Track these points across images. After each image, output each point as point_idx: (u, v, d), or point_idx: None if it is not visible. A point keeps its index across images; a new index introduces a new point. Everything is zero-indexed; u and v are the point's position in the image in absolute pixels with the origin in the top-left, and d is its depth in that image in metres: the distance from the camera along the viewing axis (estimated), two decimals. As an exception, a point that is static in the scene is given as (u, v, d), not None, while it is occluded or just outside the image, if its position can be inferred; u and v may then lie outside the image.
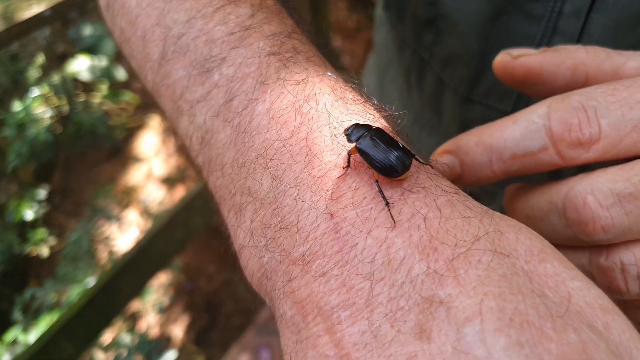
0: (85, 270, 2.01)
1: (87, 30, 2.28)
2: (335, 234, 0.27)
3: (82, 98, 2.37)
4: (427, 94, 0.66)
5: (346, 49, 2.81)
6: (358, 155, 0.31)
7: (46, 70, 2.22)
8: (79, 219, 2.27)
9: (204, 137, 0.36)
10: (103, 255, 2.19)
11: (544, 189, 0.36)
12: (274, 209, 0.30)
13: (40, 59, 2.18)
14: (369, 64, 0.88)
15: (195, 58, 0.37)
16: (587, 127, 0.33)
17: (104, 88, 2.40)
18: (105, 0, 0.48)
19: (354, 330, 0.24)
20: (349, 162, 0.31)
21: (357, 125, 0.31)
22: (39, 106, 2.16)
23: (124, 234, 2.28)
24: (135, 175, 2.49)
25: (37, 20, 0.98)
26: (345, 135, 0.31)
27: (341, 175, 0.30)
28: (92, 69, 2.23)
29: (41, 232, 2.11)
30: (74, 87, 2.33)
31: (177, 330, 2.09)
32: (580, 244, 0.34)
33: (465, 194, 0.29)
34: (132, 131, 2.59)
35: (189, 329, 2.10)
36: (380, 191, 0.29)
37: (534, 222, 0.37)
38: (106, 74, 2.28)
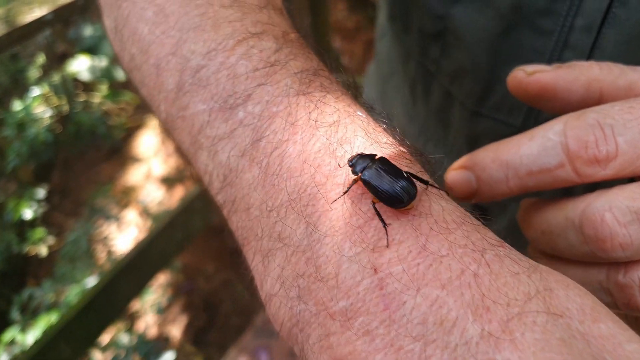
0: (83, 270, 2.01)
1: (88, 31, 2.28)
2: (381, 291, 0.25)
3: (82, 98, 2.37)
4: (433, 106, 0.65)
5: (346, 49, 2.81)
6: (362, 185, 0.30)
7: (46, 70, 2.22)
8: (78, 219, 2.28)
9: (227, 176, 0.34)
10: (102, 255, 2.19)
11: (560, 205, 0.36)
12: (308, 258, 0.28)
13: (41, 58, 2.18)
14: (369, 72, 0.88)
15: (216, 92, 0.36)
16: (604, 144, 0.33)
17: (103, 88, 2.40)
18: (113, 24, 0.46)
19: None
20: (348, 189, 0.30)
21: (361, 156, 0.31)
22: (39, 106, 2.16)
23: (122, 234, 2.28)
24: (134, 175, 2.49)
25: (39, 24, 0.98)
26: (349, 165, 0.31)
27: (341, 198, 0.30)
28: (92, 69, 2.23)
29: (40, 232, 2.11)
30: (74, 87, 2.33)
31: (176, 331, 2.09)
32: (597, 260, 0.34)
33: (510, 246, 0.28)
34: (131, 131, 2.60)
35: (187, 329, 2.10)
36: (378, 213, 0.29)
37: (550, 238, 0.37)
38: (106, 74, 2.28)
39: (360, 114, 0.34)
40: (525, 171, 0.36)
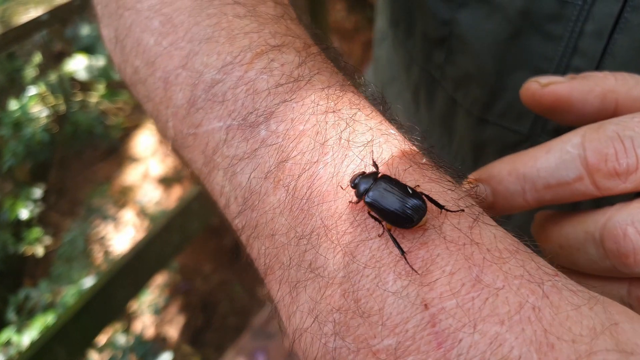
0: (80, 271, 2.00)
1: (85, 30, 2.27)
2: (433, 328, 0.23)
3: (79, 97, 2.36)
4: (437, 112, 0.64)
5: (344, 49, 2.81)
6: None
7: (43, 69, 2.21)
8: (75, 219, 2.27)
9: (247, 199, 0.32)
10: (99, 255, 2.18)
11: (579, 219, 0.35)
12: (345, 291, 0.26)
13: (37, 58, 2.17)
14: (366, 77, 0.87)
15: (234, 109, 0.34)
16: (624, 157, 0.32)
17: (101, 88, 2.39)
18: (113, 34, 0.43)
19: None
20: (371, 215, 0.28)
21: (363, 175, 0.29)
22: (35, 105, 2.14)
23: (120, 234, 2.27)
24: (131, 175, 2.48)
25: (35, 25, 0.97)
26: (352, 187, 0.29)
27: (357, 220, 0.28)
28: (90, 69, 2.22)
29: (36, 232, 2.10)
30: (71, 86, 2.32)
31: (173, 331, 2.09)
32: (619, 275, 0.33)
33: (564, 275, 0.26)
34: (128, 131, 2.59)
35: (185, 330, 2.10)
36: (394, 240, 0.27)
37: (569, 252, 0.36)
38: (103, 74, 2.27)
39: (393, 132, 0.33)
40: (543, 184, 0.35)
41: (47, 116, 2.20)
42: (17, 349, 1.67)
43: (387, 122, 0.34)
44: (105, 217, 2.26)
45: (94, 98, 2.40)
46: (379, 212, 0.28)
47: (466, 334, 0.23)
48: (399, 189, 0.29)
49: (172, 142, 0.39)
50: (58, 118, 2.28)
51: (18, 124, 2.06)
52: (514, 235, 0.28)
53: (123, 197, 2.39)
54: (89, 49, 2.27)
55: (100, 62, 2.27)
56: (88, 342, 1.23)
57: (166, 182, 2.44)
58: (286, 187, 0.30)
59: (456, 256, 0.25)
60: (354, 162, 0.30)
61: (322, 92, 0.33)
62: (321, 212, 0.29)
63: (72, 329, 1.11)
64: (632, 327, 0.23)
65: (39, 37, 2.13)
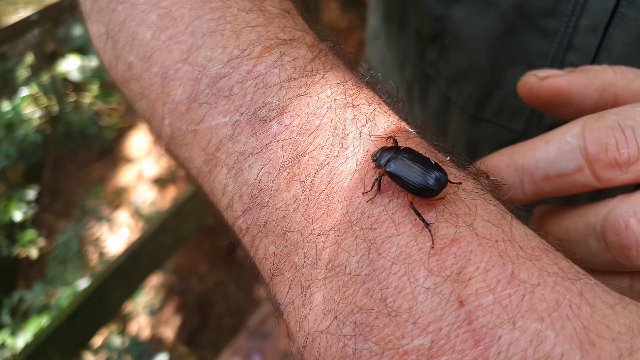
0: (75, 272, 1.99)
1: (77, 30, 2.26)
2: (469, 325, 0.22)
3: (72, 98, 2.35)
4: (431, 110, 0.64)
5: (339, 49, 2.80)
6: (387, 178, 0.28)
7: (35, 69, 2.20)
8: (69, 220, 2.26)
9: (256, 196, 0.30)
10: (93, 256, 2.17)
11: (579, 211, 0.35)
12: (369, 289, 0.25)
13: (29, 58, 2.15)
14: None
15: (242, 104, 0.32)
16: (625, 147, 0.32)
17: (94, 88, 2.38)
18: (104, 29, 0.41)
19: None
20: (379, 186, 0.28)
21: (384, 149, 0.29)
22: (27, 106, 2.13)
23: (114, 235, 2.26)
24: (126, 176, 2.47)
25: (24, 25, 0.96)
26: (373, 161, 0.29)
27: (373, 200, 0.27)
28: (83, 69, 2.21)
29: (30, 234, 2.09)
30: (64, 87, 2.31)
31: (169, 332, 2.08)
32: (620, 269, 0.33)
33: (597, 281, 0.25)
34: (122, 131, 2.57)
35: (180, 331, 2.09)
36: (417, 213, 0.26)
37: (569, 246, 0.35)
38: (97, 74, 2.26)
39: (412, 130, 0.32)
40: (542, 176, 0.35)
41: (40, 117, 2.19)
42: (11, 352, 1.66)
43: (406, 120, 0.33)
44: (99, 218, 2.25)
45: (87, 99, 2.38)
46: (399, 182, 0.28)
47: (505, 330, 0.22)
48: (421, 160, 0.29)
49: (168, 140, 0.37)
50: (51, 119, 2.26)
51: (10, 125, 2.05)
52: (539, 235, 0.27)
53: (117, 198, 2.38)
54: (82, 50, 2.26)
55: (93, 62, 2.25)
56: (82, 344, 1.22)
57: (161, 182, 2.43)
58: (302, 182, 0.29)
59: (490, 252, 0.24)
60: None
61: (339, 87, 0.32)
62: (342, 207, 0.27)
63: (65, 331, 1.10)
64: None
65: (31, 37, 2.11)
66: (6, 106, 2.06)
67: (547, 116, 0.51)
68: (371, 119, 0.31)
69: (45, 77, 2.22)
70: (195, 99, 0.34)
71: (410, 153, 0.29)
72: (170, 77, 0.35)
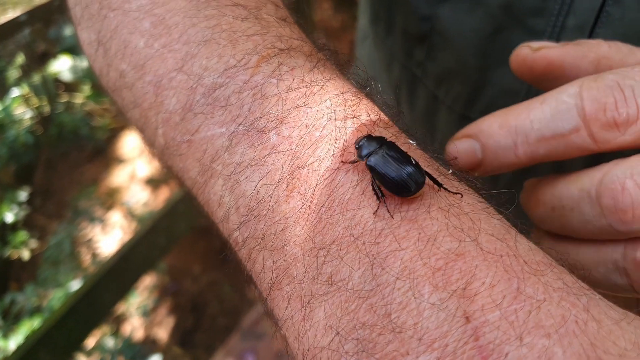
0: (67, 274, 1.98)
1: (69, 31, 2.25)
2: (476, 342, 0.22)
3: (63, 99, 2.34)
4: (419, 110, 0.63)
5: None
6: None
7: (26, 70, 2.18)
8: (61, 221, 2.24)
9: (253, 209, 0.30)
10: (86, 257, 2.16)
11: (573, 177, 0.34)
12: (372, 305, 0.24)
13: (20, 58, 2.14)
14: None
15: (239, 114, 0.32)
16: (624, 106, 0.31)
17: (86, 88, 2.36)
18: (95, 36, 0.40)
19: None
20: (375, 187, 0.28)
21: (369, 138, 0.29)
22: (18, 107, 2.12)
23: (107, 236, 2.25)
24: (118, 176, 2.46)
25: (13, 25, 0.96)
26: (356, 148, 0.29)
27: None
28: (74, 69, 2.19)
29: (22, 235, 2.07)
30: (55, 87, 2.30)
31: (162, 333, 2.08)
32: (613, 236, 0.32)
33: (601, 296, 0.25)
34: (115, 132, 2.56)
35: (174, 331, 2.09)
36: (376, 187, 0.27)
37: (562, 214, 0.34)
38: (88, 75, 2.24)
39: (413, 142, 0.32)
40: (536, 137, 0.34)
41: (31, 118, 2.18)
42: (3, 354, 1.65)
43: (405, 132, 0.33)
44: (92, 219, 2.24)
45: (79, 99, 2.37)
46: (378, 177, 0.28)
47: (513, 347, 0.21)
48: (402, 157, 0.28)
49: (162, 150, 0.37)
50: (42, 120, 2.25)
51: (1, 126, 2.04)
52: (543, 249, 0.27)
53: (110, 198, 2.37)
54: (74, 50, 2.25)
55: (85, 62, 2.24)
56: (74, 347, 1.22)
57: (153, 183, 2.42)
58: (302, 195, 0.28)
59: (495, 267, 0.24)
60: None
61: (339, 98, 0.32)
62: (345, 220, 0.27)
63: (56, 333, 1.09)
64: None
65: (21, 37, 2.10)
66: (-3, 107, 2.04)
67: None
68: (371, 131, 0.31)
69: (36, 78, 2.20)
70: (190, 108, 0.33)
71: (392, 149, 0.29)
72: (164, 86, 0.35)
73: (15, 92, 2.11)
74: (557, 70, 0.37)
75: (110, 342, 1.85)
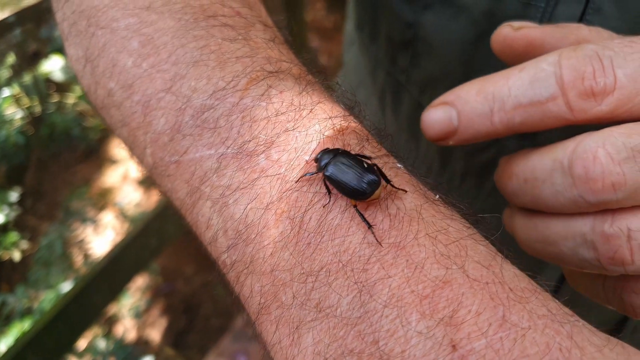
0: (58, 275, 1.97)
1: (60, 30, 2.23)
2: None
3: (55, 99, 2.32)
4: (403, 117, 0.63)
5: (324, 48, 2.80)
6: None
7: (17, 70, 2.17)
8: (53, 222, 2.23)
9: (242, 232, 0.30)
10: (78, 259, 2.15)
11: (547, 148, 0.34)
12: (360, 332, 0.24)
13: (11, 58, 2.12)
14: (338, 82, 0.86)
15: (228, 137, 0.32)
16: (602, 76, 0.31)
17: (78, 89, 2.35)
18: (82, 53, 0.39)
19: None
20: (328, 189, 0.28)
21: (325, 151, 0.30)
22: (9, 107, 2.10)
23: (99, 237, 2.24)
24: (111, 177, 2.45)
25: (1, 26, 0.96)
26: (315, 161, 0.29)
27: (303, 186, 0.28)
28: (66, 69, 2.18)
29: (13, 236, 2.06)
30: (46, 87, 2.28)
31: (155, 334, 2.07)
32: (583, 209, 0.32)
33: (584, 322, 0.25)
34: (107, 132, 2.55)
35: (167, 332, 2.08)
36: (361, 215, 0.27)
37: (534, 185, 0.34)
38: (80, 74, 2.23)
39: (401, 166, 0.32)
40: (513, 104, 0.34)
41: (22, 118, 2.16)
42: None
43: (392, 155, 0.33)
44: (84, 220, 2.23)
45: (70, 99, 2.36)
46: (336, 185, 0.28)
47: None
48: (356, 163, 0.29)
49: (150, 170, 0.36)
50: (33, 120, 2.23)
51: (-8, 127, 2.03)
52: (527, 275, 0.27)
53: (102, 199, 2.36)
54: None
55: (76, 62, 2.23)
56: (63, 349, 1.21)
57: (146, 183, 2.41)
58: (291, 220, 0.28)
59: (481, 295, 0.24)
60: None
61: (327, 122, 0.32)
62: (334, 246, 0.27)
63: (45, 336, 1.09)
64: None
65: (13, 37, 2.08)
66: (-13, 107, 2.03)
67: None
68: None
69: (27, 78, 2.19)
70: (178, 129, 0.33)
71: (345, 156, 0.30)
72: (152, 106, 0.35)
73: (6, 92, 2.09)
74: (538, 50, 0.36)
75: (102, 344, 1.84)
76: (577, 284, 0.38)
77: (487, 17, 0.48)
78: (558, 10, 0.45)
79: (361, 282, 0.25)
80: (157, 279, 2.19)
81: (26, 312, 1.81)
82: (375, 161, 0.31)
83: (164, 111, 0.34)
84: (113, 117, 0.38)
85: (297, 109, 0.32)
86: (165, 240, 1.40)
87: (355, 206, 0.28)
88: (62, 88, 2.35)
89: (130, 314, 2.03)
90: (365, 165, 0.30)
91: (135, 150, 0.37)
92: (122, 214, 2.29)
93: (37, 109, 2.24)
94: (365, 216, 0.28)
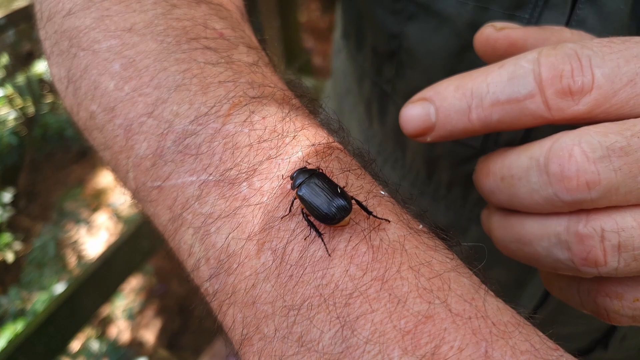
0: (51, 277, 1.97)
1: (53, 30, 2.23)
2: None
3: (49, 99, 2.32)
4: (389, 127, 0.63)
5: (318, 49, 2.80)
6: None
7: (10, 70, 2.16)
8: (46, 223, 2.22)
9: (223, 262, 0.29)
10: (71, 260, 2.14)
11: (524, 147, 0.34)
12: None
13: (4, 59, 2.12)
14: (327, 88, 0.86)
15: (210, 163, 0.31)
16: (580, 75, 0.31)
17: (71, 89, 2.34)
18: (64, 73, 0.39)
19: None
20: (290, 207, 0.28)
21: (300, 171, 0.30)
22: (2, 108, 2.09)
23: (93, 238, 2.24)
24: (105, 178, 2.44)
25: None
26: (290, 179, 0.29)
27: (285, 217, 0.28)
28: (59, 70, 2.17)
29: (6, 237, 2.05)
30: (40, 88, 2.27)
31: (149, 335, 2.07)
32: (558, 208, 0.32)
33: (568, 356, 0.25)
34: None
35: (161, 333, 2.08)
36: (310, 224, 0.27)
37: (510, 184, 0.34)
38: (73, 75, 2.23)
39: (384, 193, 0.31)
40: (491, 101, 0.33)
41: (15, 118, 2.15)
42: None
43: (375, 182, 0.33)
44: (78, 221, 2.22)
45: (64, 100, 2.35)
46: (306, 206, 0.29)
47: None
48: (330, 187, 0.29)
49: (134, 194, 0.36)
50: (27, 120, 2.23)
51: (-15, 128, 2.02)
52: (511, 307, 0.27)
53: (96, 200, 2.35)
54: (58, 50, 2.23)
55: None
56: (55, 352, 1.20)
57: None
58: (273, 251, 0.28)
59: (464, 330, 0.24)
60: (350, 225, 0.28)
61: (310, 149, 0.31)
62: (315, 279, 0.26)
63: (36, 340, 1.08)
64: None
65: (6, 37, 2.07)
66: (-20, 108, 2.02)
67: (504, 133, 0.51)
68: (345, 184, 0.31)
69: (20, 78, 2.18)
70: (160, 155, 0.33)
71: (321, 179, 0.30)
72: (134, 130, 0.34)
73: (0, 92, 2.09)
74: (520, 50, 0.36)
75: (95, 346, 1.84)
76: (553, 288, 0.38)
77: (471, 29, 0.48)
78: (542, 21, 0.45)
79: (343, 317, 0.25)
80: (151, 280, 2.19)
81: (19, 314, 1.80)
82: (358, 189, 0.31)
83: (145, 135, 0.34)
84: (96, 139, 0.38)
85: (280, 136, 0.32)
86: (158, 242, 1.40)
87: (305, 213, 0.28)
88: (55, 88, 2.34)
89: (124, 315, 2.03)
90: (339, 190, 0.29)
91: (119, 174, 0.37)
92: (116, 215, 2.29)
93: (31, 109, 2.23)
94: (349, 248, 0.27)
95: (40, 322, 1.10)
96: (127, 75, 0.35)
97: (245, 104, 0.33)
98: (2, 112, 2.10)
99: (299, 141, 0.32)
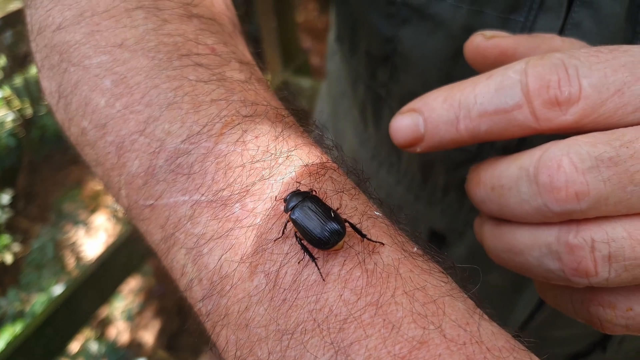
0: (50, 278, 1.97)
1: (50, 32, 2.22)
2: None
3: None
4: (384, 130, 0.63)
5: (316, 49, 2.80)
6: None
7: (8, 72, 2.16)
8: (45, 224, 2.22)
9: (215, 282, 0.29)
10: (70, 261, 2.14)
11: (515, 156, 0.34)
12: None
13: (2, 60, 2.11)
14: (321, 91, 0.86)
15: (202, 183, 0.31)
16: (567, 85, 0.31)
17: (69, 90, 2.34)
18: (55, 87, 0.38)
19: None
20: (284, 230, 0.28)
21: (294, 194, 0.29)
22: (0, 109, 2.09)
23: (91, 239, 2.24)
24: (103, 179, 2.44)
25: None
26: (284, 201, 0.29)
27: (278, 239, 0.27)
28: (56, 71, 2.17)
29: (4, 238, 2.05)
30: (38, 89, 2.27)
31: (148, 336, 2.07)
32: (548, 218, 0.31)
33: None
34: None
35: (160, 334, 2.08)
36: (304, 248, 0.27)
37: (500, 193, 0.34)
38: (71, 76, 2.22)
39: (379, 214, 0.31)
40: (479, 112, 0.33)
41: (13, 120, 2.15)
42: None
43: (370, 203, 0.32)
44: (76, 222, 2.22)
45: (62, 101, 2.35)
46: (299, 229, 0.28)
47: None
48: (323, 210, 0.29)
49: (126, 211, 0.35)
50: (25, 122, 2.23)
51: (-18, 129, 2.02)
52: (506, 331, 0.27)
53: (94, 201, 2.35)
54: (56, 51, 2.23)
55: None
56: (53, 354, 1.20)
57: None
58: (266, 274, 0.28)
59: (458, 356, 0.24)
60: (344, 249, 0.28)
61: (304, 170, 0.31)
62: (309, 304, 0.26)
63: (34, 342, 1.08)
64: None
65: (3, 39, 2.07)
66: (-23, 110, 2.02)
67: (499, 141, 0.51)
68: (338, 205, 0.30)
69: (18, 80, 2.18)
70: (152, 173, 0.33)
71: (314, 202, 0.29)
72: (126, 148, 0.34)
73: (-3, 94, 2.09)
74: (510, 59, 0.36)
75: (94, 347, 1.84)
76: (547, 296, 0.38)
77: (466, 32, 0.48)
78: (537, 25, 0.45)
79: (337, 343, 0.25)
80: (150, 280, 2.19)
81: (18, 316, 1.80)
82: (352, 211, 0.30)
83: (137, 153, 0.33)
84: (88, 155, 0.37)
85: (273, 156, 0.31)
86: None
87: (298, 236, 0.28)
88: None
89: (123, 316, 2.03)
90: (332, 214, 0.29)
91: (111, 190, 0.37)
92: (114, 216, 2.29)
93: (29, 111, 2.23)
94: (343, 272, 0.27)
95: (39, 324, 1.10)
96: (118, 92, 0.35)
97: (238, 123, 0.33)
98: (0, 114, 2.10)
99: (292, 161, 0.31)
